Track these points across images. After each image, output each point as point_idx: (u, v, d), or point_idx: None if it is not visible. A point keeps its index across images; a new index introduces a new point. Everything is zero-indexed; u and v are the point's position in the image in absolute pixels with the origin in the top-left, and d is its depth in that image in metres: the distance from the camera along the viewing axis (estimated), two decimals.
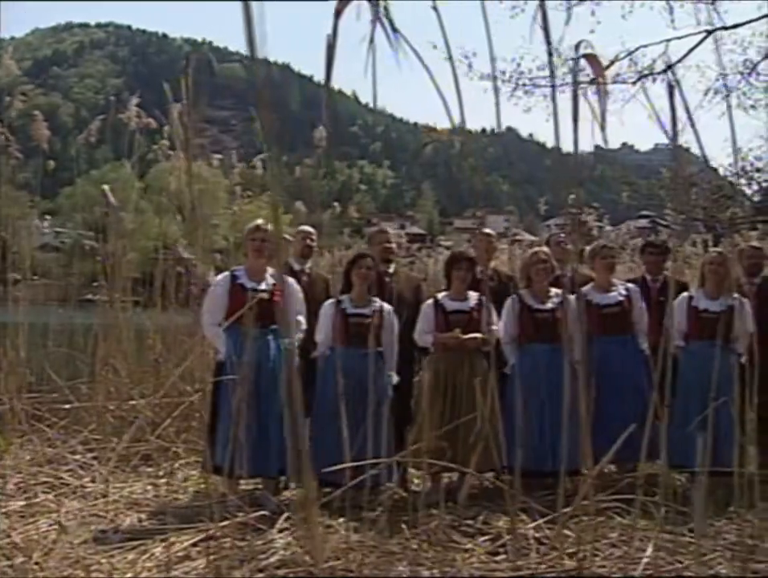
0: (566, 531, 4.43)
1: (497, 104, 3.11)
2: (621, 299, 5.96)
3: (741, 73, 8.25)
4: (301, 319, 5.60)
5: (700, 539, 4.38)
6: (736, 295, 5.84)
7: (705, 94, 8.58)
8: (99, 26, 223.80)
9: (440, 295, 5.81)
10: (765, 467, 6.26)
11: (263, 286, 5.47)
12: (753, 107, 8.69)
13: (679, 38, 7.73)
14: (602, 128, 2.52)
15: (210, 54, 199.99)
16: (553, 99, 2.65)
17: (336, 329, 5.51)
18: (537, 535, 4.38)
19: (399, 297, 5.81)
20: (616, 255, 6.18)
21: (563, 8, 8.00)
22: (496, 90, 8.01)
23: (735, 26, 7.66)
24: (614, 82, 8.29)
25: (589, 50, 2.47)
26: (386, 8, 1.86)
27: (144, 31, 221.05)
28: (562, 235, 6.78)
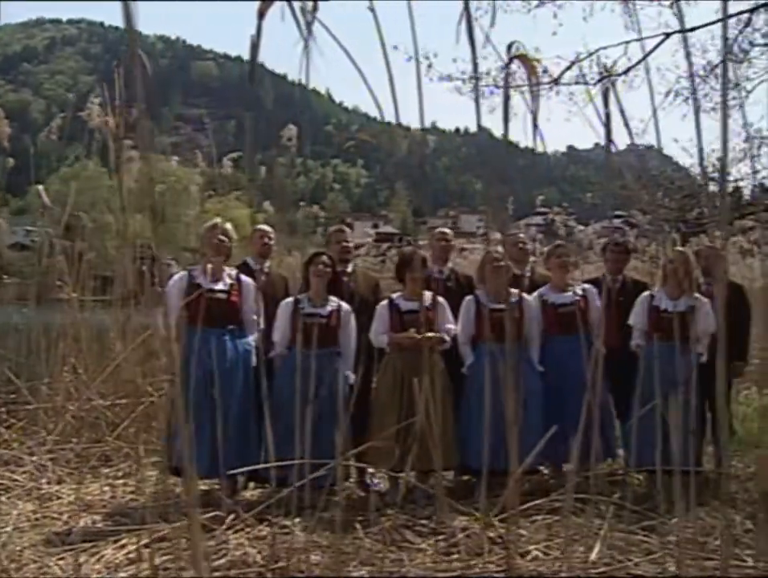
0: (521, 530, 4.46)
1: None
2: (577, 298, 5.99)
3: (700, 75, 8.32)
4: (258, 318, 5.59)
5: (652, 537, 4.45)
6: (697, 295, 5.89)
7: (666, 96, 8.64)
8: (70, 22, 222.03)
9: (394, 295, 5.81)
10: (723, 468, 6.33)
11: (220, 286, 5.44)
12: (713, 109, 8.77)
13: (638, 39, 7.80)
14: (535, 125, 2.53)
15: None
16: (477, 100, 2.64)
17: (293, 329, 5.49)
18: (491, 534, 4.38)
19: (357, 296, 5.81)
20: (571, 255, 6.20)
21: (525, 10, 8.01)
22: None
23: (693, 29, 7.74)
24: (576, 83, 8.35)
25: (521, 51, 2.47)
26: (314, 8, 1.86)
27: (117, 28, 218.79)
28: (521, 235, 6.79)
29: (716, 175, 9.32)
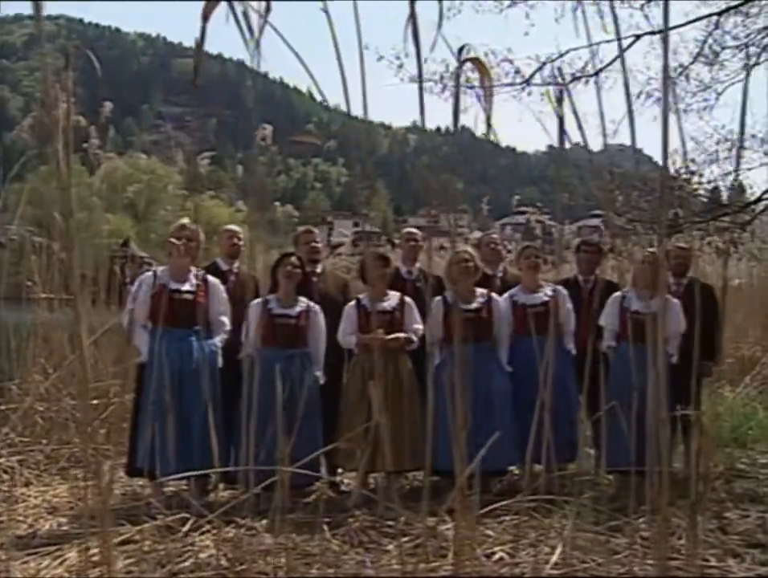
0: (488, 531, 4.47)
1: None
2: (546, 299, 5.99)
3: (671, 77, 8.34)
4: (224, 319, 5.57)
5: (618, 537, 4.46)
6: (667, 296, 5.91)
7: (638, 97, 8.67)
8: (49, 18, 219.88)
9: (362, 296, 5.80)
10: (692, 467, 6.37)
11: (186, 287, 5.42)
12: (685, 111, 8.82)
13: (608, 41, 7.83)
14: (489, 124, 2.54)
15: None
16: (421, 100, 2.64)
17: (262, 330, 5.48)
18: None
19: (326, 297, 5.80)
20: (541, 256, 6.19)
21: (497, 10, 8.02)
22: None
23: (661, 32, 7.75)
24: (546, 84, 8.37)
25: (471, 54, 2.47)
26: (267, 9, 1.85)
27: (97, 25, 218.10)
28: (494, 236, 6.81)
29: (685, 176, 9.37)
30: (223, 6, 1.88)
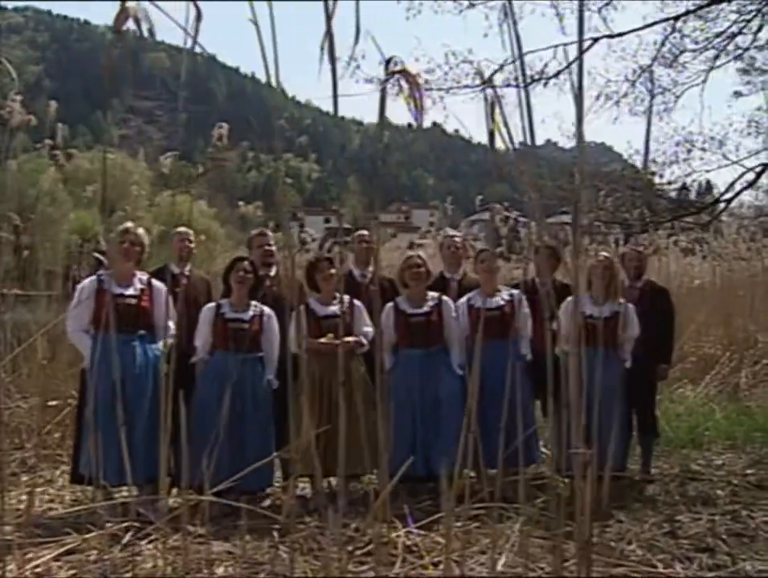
0: (438, 538, 4.45)
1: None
2: (503, 303, 5.97)
3: (629, 80, 8.40)
4: (170, 324, 5.50)
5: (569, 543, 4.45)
6: (622, 300, 5.92)
7: (597, 98, 8.70)
8: (16, 10, 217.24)
9: (311, 300, 5.75)
10: (648, 470, 6.42)
11: (130, 292, 5.35)
12: (644, 112, 8.85)
13: (566, 44, 7.84)
14: (420, 126, 2.52)
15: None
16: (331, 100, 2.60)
17: (215, 334, 5.44)
18: (408, 542, 4.37)
19: (281, 300, 5.74)
20: (496, 259, 6.19)
21: (457, 11, 7.99)
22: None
23: (619, 35, 7.81)
24: (507, 86, 8.37)
25: (398, 67, 2.44)
26: (197, 17, 1.81)
27: (65, 17, 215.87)
28: (456, 239, 6.77)
29: (649, 176, 9.43)
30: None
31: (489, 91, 2.94)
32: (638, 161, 10.44)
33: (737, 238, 13.47)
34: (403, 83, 2.30)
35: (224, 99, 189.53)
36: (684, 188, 10.97)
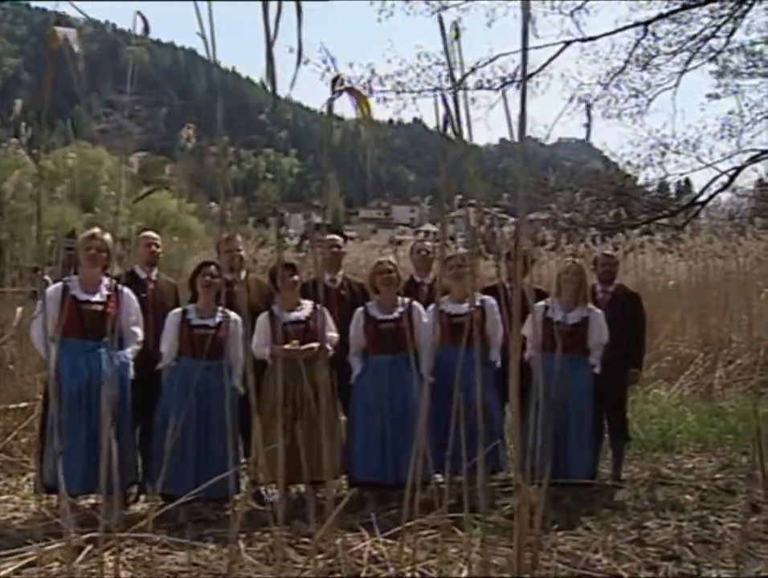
0: (406, 548, 4.42)
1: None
2: (471, 309, 5.91)
3: (601, 83, 8.40)
4: (137, 330, 5.44)
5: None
6: (590, 306, 5.91)
7: (570, 101, 8.69)
8: None
9: (274, 307, 5.69)
10: (618, 475, 6.42)
11: (96, 298, 5.28)
12: (618, 115, 8.86)
13: (537, 47, 7.83)
14: (376, 136, 2.50)
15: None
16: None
17: (181, 340, 5.38)
18: (374, 552, 4.34)
19: (249, 305, 5.67)
20: (466, 265, 6.11)
21: (429, 13, 7.95)
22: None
23: (591, 39, 7.81)
24: (479, 88, 8.36)
25: (346, 85, 2.41)
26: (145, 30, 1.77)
27: (44, 10, 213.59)
28: (427, 243, 6.74)
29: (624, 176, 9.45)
30: None
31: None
32: (616, 159, 10.47)
33: (712, 237, 13.51)
34: (351, 101, 2.28)
35: (204, 94, 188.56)
36: (663, 186, 11.02)
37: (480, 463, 4.20)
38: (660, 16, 7.72)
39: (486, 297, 5.97)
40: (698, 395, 10.25)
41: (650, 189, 10.49)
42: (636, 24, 7.73)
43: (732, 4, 7.48)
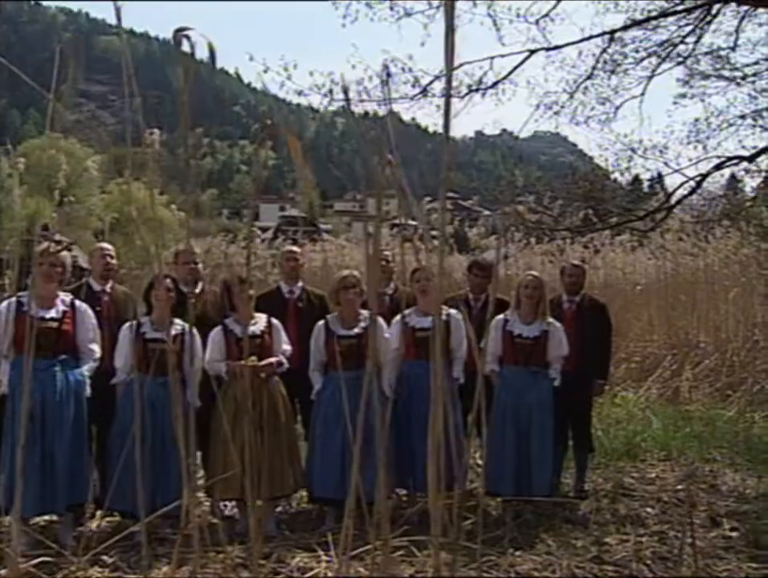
0: (361, 569, 4.37)
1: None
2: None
3: (567, 91, 8.38)
4: (94, 347, 5.33)
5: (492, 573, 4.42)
6: (550, 320, 5.87)
7: (537, 108, 8.67)
8: None
9: (228, 321, 5.58)
10: (581, 487, 6.42)
11: (52, 314, 5.16)
12: (585, 122, 8.84)
13: (502, 56, 7.79)
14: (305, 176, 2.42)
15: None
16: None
17: (135, 354, 5.25)
18: (329, 574, 4.30)
19: (206, 319, 5.59)
20: (431, 277, 6.02)
21: (393, 19, 7.86)
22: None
23: (557, 47, 7.77)
24: (443, 96, 8.27)
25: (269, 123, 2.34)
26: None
27: None
28: (386, 252, 6.68)
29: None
30: None
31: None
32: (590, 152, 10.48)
33: (681, 235, 13.49)
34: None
35: (179, 85, 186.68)
36: (636, 180, 11.02)
37: (431, 479, 4.16)
38: (626, 27, 7.71)
39: (452, 311, 5.90)
40: (665, 398, 10.28)
41: (621, 186, 10.49)
42: (602, 33, 7.70)
43: (698, 13, 7.48)
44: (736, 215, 10.34)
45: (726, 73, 8.93)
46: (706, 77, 8.96)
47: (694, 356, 11.56)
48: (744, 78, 8.85)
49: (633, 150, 8.86)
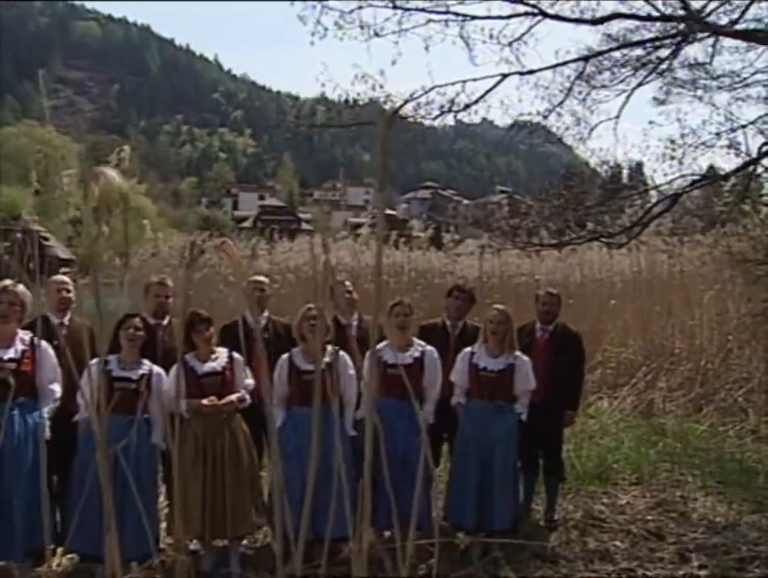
0: None
1: None
2: (410, 361, 5.70)
3: (541, 114, 8.30)
4: (54, 387, 5.18)
5: None
6: (517, 353, 5.79)
7: (510, 129, 8.58)
8: None
9: (188, 358, 5.42)
10: (551, 516, 6.37)
11: (9, 355, 5.01)
12: (559, 140, 8.76)
13: (474, 80, 7.69)
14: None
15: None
16: None
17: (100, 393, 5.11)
18: None
19: (173, 353, 5.47)
20: (410, 313, 5.88)
21: (363, 38, 7.70)
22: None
23: (530, 72, 7.69)
24: (415, 117, 8.20)
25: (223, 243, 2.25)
26: None
27: None
28: (348, 283, 6.55)
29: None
30: None
31: None
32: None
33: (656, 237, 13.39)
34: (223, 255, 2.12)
35: (158, 71, 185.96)
36: (615, 174, 10.97)
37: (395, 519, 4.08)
38: (600, 53, 7.63)
39: (428, 348, 5.80)
40: (639, 411, 10.24)
41: (601, 185, 10.43)
42: (577, 59, 7.64)
43: (671, 41, 7.43)
44: (710, 228, 10.31)
45: (704, 82, 8.89)
46: (683, 84, 8.90)
47: (670, 364, 11.55)
48: (720, 88, 8.81)
49: (608, 165, 8.82)
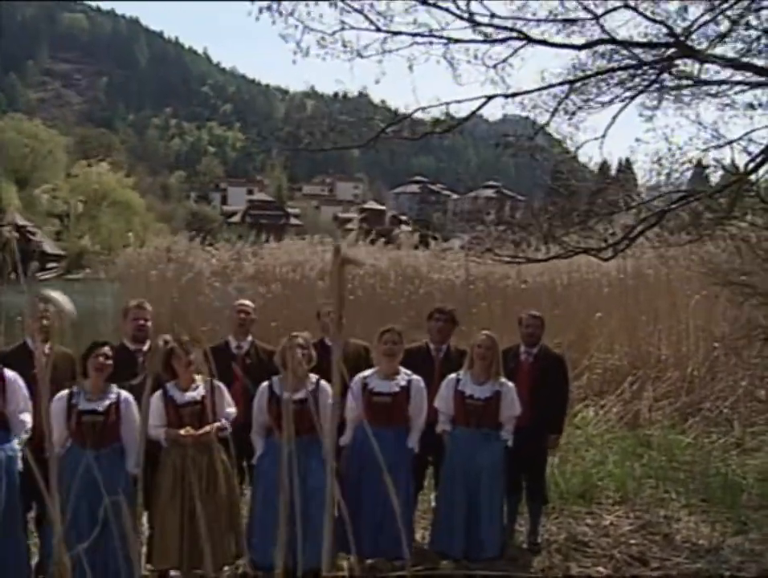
0: None
1: None
2: (397, 390, 5.66)
3: (526, 135, 8.26)
4: (24, 417, 5.10)
5: None
6: (503, 380, 5.76)
7: (496, 147, 8.54)
8: None
9: (168, 386, 5.35)
10: (534, 540, 6.35)
11: None
12: (546, 159, 8.74)
13: (458, 101, 7.66)
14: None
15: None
16: None
17: (69, 427, 5.00)
18: None
19: (156, 377, 5.41)
20: (399, 341, 5.82)
21: (346, 58, 7.63)
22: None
23: (514, 95, 7.67)
24: (399, 139, 8.19)
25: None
26: None
27: None
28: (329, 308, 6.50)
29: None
30: None
31: None
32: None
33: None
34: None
35: (146, 64, 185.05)
36: (604, 169, 10.95)
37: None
38: (587, 77, 7.61)
39: (414, 377, 5.77)
40: (625, 422, 10.22)
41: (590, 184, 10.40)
42: (562, 83, 7.61)
43: (654, 69, 7.44)
44: (698, 238, 10.29)
45: (693, 89, 8.86)
46: (671, 94, 8.87)
47: (657, 372, 11.53)
48: (712, 95, 8.78)
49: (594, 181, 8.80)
